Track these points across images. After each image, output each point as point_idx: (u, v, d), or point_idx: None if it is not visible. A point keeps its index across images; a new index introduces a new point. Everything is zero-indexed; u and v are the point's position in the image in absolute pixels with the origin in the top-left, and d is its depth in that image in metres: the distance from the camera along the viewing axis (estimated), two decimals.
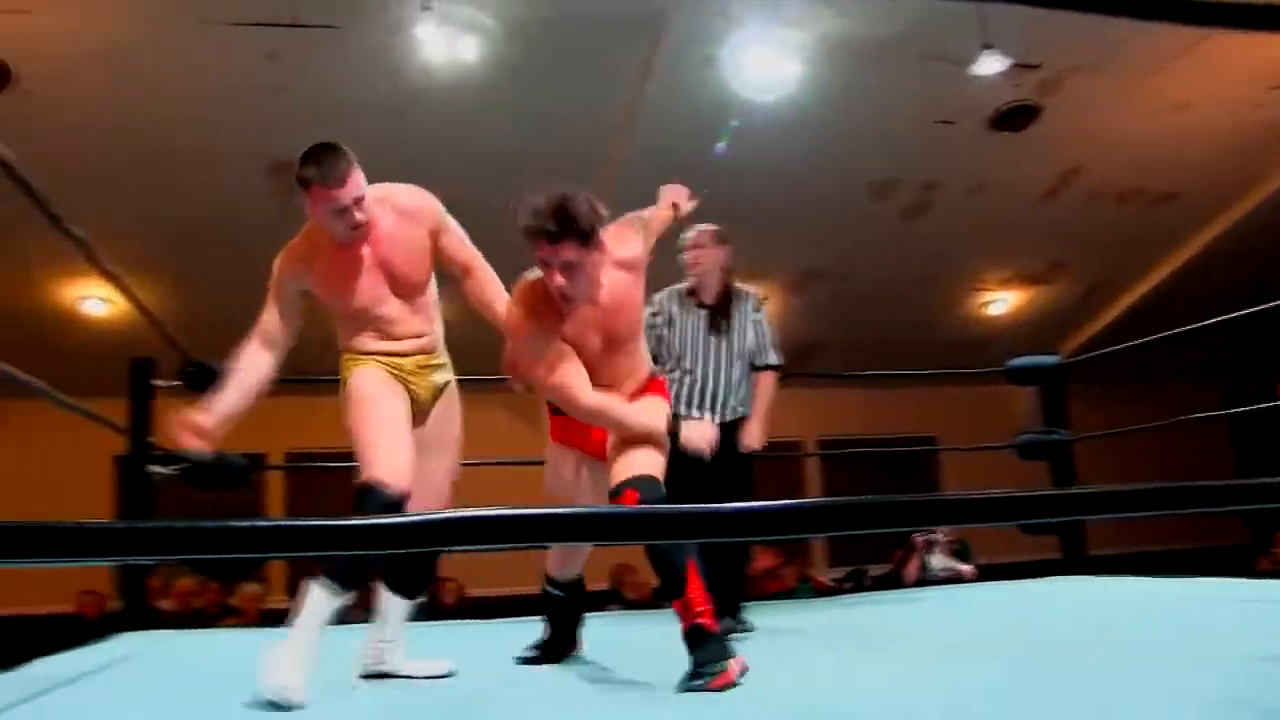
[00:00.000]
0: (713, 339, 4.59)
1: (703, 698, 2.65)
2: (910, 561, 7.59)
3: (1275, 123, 9.08)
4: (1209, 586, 4.79)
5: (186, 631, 5.38)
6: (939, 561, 7.45)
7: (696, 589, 2.86)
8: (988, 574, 6.64)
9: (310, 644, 2.74)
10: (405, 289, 3.16)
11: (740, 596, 4.48)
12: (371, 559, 3.14)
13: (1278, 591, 4.56)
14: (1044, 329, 11.72)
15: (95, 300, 9.67)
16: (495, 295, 3.30)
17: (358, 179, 2.98)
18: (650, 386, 3.29)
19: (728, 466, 4.28)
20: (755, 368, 4.66)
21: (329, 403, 10.97)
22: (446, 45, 6.87)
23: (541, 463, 3.49)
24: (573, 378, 2.99)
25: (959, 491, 1.41)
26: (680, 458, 3.27)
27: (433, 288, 3.30)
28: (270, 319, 3.17)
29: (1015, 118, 8.65)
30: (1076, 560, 5.73)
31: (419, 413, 3.20)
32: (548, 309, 2.99)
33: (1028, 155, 9.18)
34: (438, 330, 3.31)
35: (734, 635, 4.06)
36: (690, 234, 4.67)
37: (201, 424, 2.96)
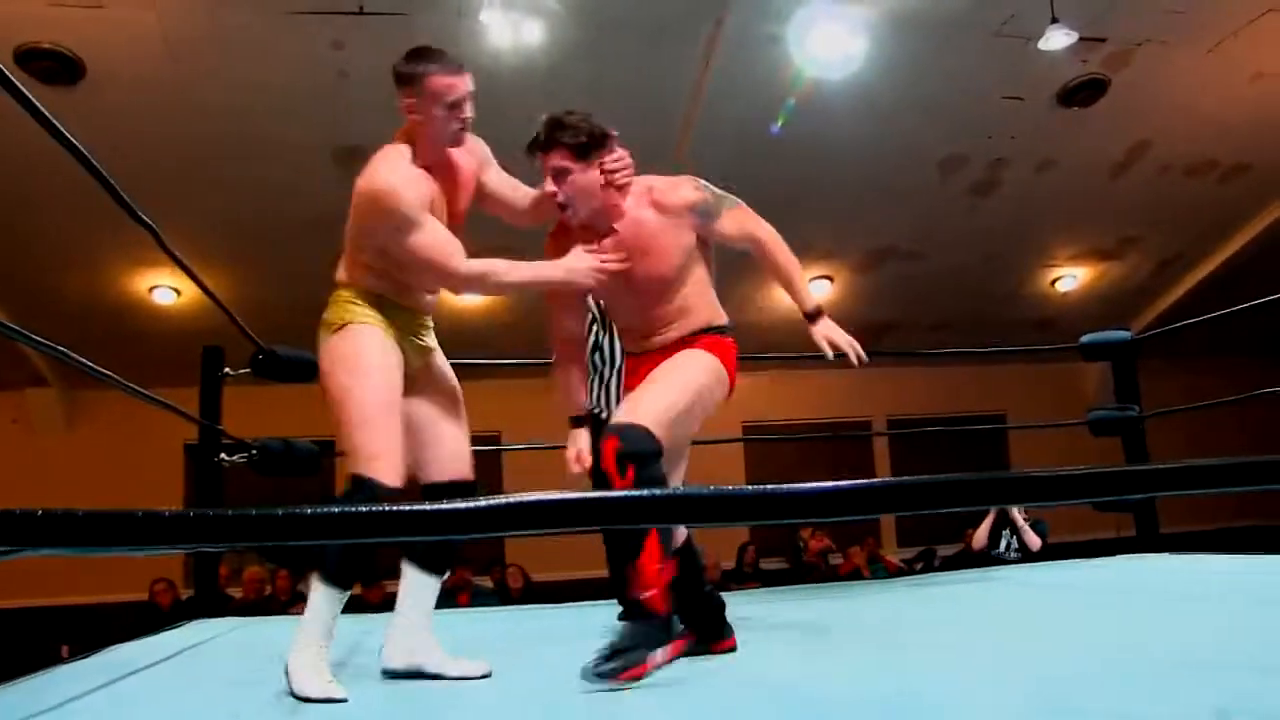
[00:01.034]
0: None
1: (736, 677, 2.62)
2: (981, 525, 7.56)
3: None
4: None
5: (258, 619, 5.43)
6: (1012, 540, 7.42)
7: (650, 560, 2.76)
8: (1062, 552, 6.60)
9: (324, 646, 2.69)
10: (457, 222, 2.98)
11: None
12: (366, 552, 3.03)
13: None
14: (1115, 305, 11.59)
15: (165, 289, 9.85)
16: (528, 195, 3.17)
17: (470, 78, 2.89)
18: (700, 341, 3.09)
19: None
20: None
21: None
22: (512, 29, 6.94)
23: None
24: (438, 244, 2.81)
25: (1025, 469, 1.42)
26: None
27: None
28: (447, 238, 2.87)
29: (1083, 92, 8.58)
30: (1150, 538, 5.69)
31: (406, 376, 2.92)
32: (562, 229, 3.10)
33: (1096, 130, 9.08)
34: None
35: None
36: None
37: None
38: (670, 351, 3.07)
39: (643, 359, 3.13)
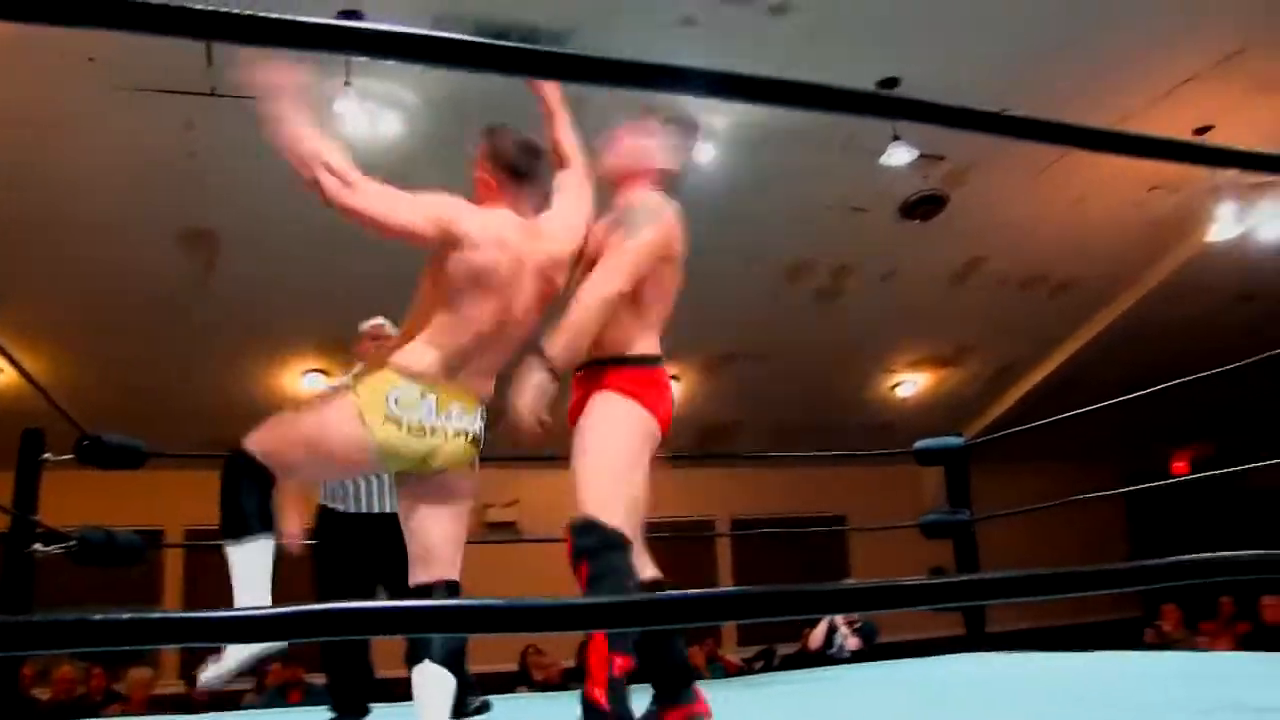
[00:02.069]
0: None
1: None
2: (816, 627, 7.73)
3: (1156, 219, 9.57)
4: (1103, 661, 4.95)
5: None
6: (845, 640, 7.59)
7: (597, 655, 2.66)
8: (897, 650, 6.75)
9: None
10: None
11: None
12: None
13: (1166, 664, 4.73)
14: (952, 410, 11.99)
15: None
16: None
17: None
18: (609, 379, 2.90)
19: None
20: None
21: None
22: (368, 120, 6.97)
23: None
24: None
25: (864, 580, 1.48)
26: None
27: None
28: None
29: (924, 206, 8.95)
30: (978, 637, 5.86)
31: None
32: None
33: (936, 242, 9.48)
34: None
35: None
36: (375, 324, 4.62)
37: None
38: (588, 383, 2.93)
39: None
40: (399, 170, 7.58)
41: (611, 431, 2.84)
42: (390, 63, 6.70)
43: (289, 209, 7.46)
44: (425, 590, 2.72)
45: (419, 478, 2.75)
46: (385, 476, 4.19)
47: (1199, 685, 3.60)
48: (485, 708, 4.32)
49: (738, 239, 8.82)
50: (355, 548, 4.24)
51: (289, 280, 8.44)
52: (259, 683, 9.06)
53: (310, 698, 8.59)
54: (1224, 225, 9.22)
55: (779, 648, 10.80)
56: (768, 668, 10.35)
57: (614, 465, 2.80)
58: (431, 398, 2.65)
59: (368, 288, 5.75)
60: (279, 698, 8.56)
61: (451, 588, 2.74)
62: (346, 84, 6.69)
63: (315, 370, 10.09)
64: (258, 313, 8.80)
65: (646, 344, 2.95)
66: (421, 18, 6.29)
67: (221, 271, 8.30)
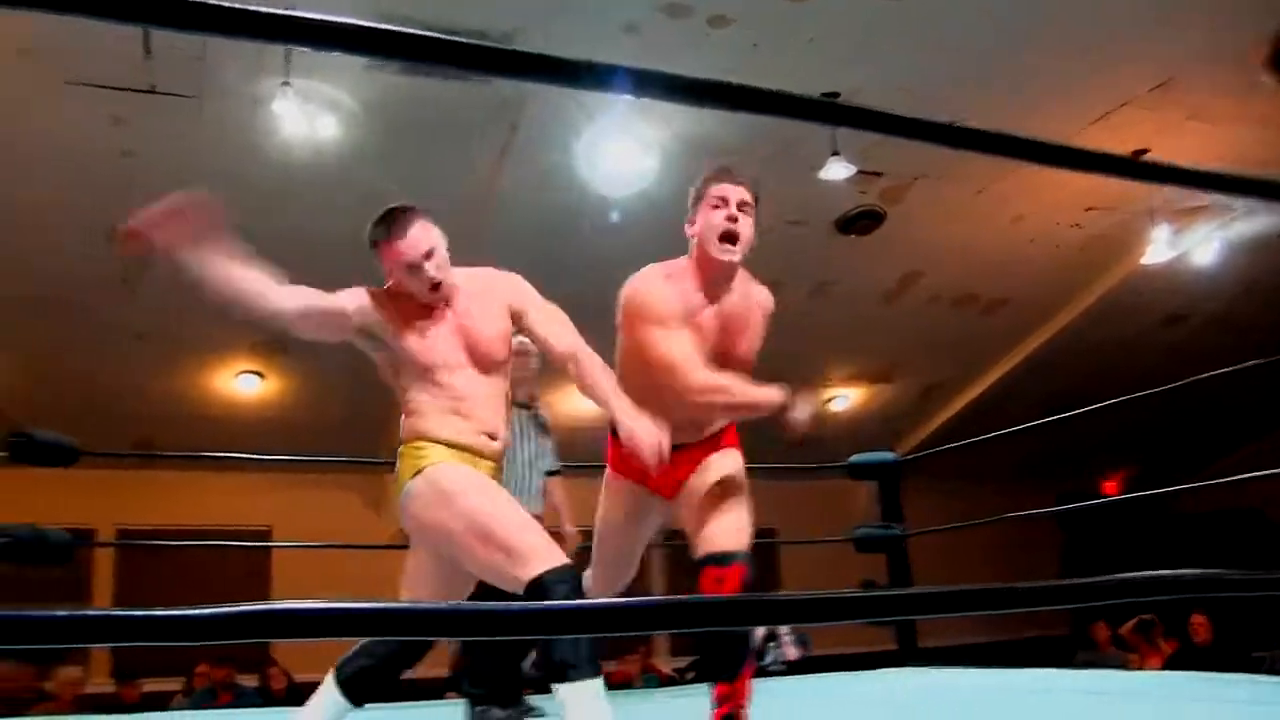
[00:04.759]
0: (533, 437, 4.82)
1: None
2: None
3: (1092, 240, 9.69)
4: (1033, 678, 4.98)
5: None
6: (779, 653, 7.59)
7: (746, 680, 2.79)
8: (827, 664, 6.75)
9: None
10: (482, 362, 2.88)
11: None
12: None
13: (1095, 682, 4.76)
14: (885, 426, 12.06)
15: None
16: (604, 377, 2.95)
17: (427, 232, 2.83)
18: (732, 434, 3.10)
19: None
20: (551, 472, 4.94)
21: (166, 477, 10.68)
22: (306, 121, 6.89)
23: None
24: (680, 352, 2.80)
25: (800, 591, 1.46)
26: None
27: (508, 380, 3.03)
28: (322, 293, 2.80)
29: (861, 222, 8.99)
30: (909, 651, 5.88)
31: None
32: (673, 280, 2.99)
33: (872, 258, 9.54)
34: (505, 435, 2.96)
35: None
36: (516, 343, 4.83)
37: (167, 220, 2.53)
38: (715, 442, 3.05)
39: (689, 450, 3.00)
40: (334, 172, 7.56)
41: (743, 478, 3.07)
42: (330, 65, 6.65)
43: (226, 212, 7.34)
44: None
45: None
46: (535, 480, 4.68)
47: (1133, 703, 3.63)
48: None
49: (675, 250, 8.77)
50: None
51: None
52: (188, 684, 8.96)
53: (240, 699, 8.49)
54: (1158, 248, 9.34)
55: None
56: (700, 678, 10.31)
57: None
58: None
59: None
60: (208, 699, 8.47)
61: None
62: (285, 84, 6.60)
63: (249, 372, 9.97)
64: (191, 313, 8.66)
65: None
66: (365, 18, 6.21)
67: (154, 271, 8.16)
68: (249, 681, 9.40)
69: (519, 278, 3.07)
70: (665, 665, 11.02)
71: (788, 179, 8.19)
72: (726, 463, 3.02)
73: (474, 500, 2.69)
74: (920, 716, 3.98)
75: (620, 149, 7.50)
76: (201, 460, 9.45)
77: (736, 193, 2.92)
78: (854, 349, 11.24)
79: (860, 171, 7.99)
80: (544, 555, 2.59)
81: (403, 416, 2.87)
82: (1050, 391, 9.64)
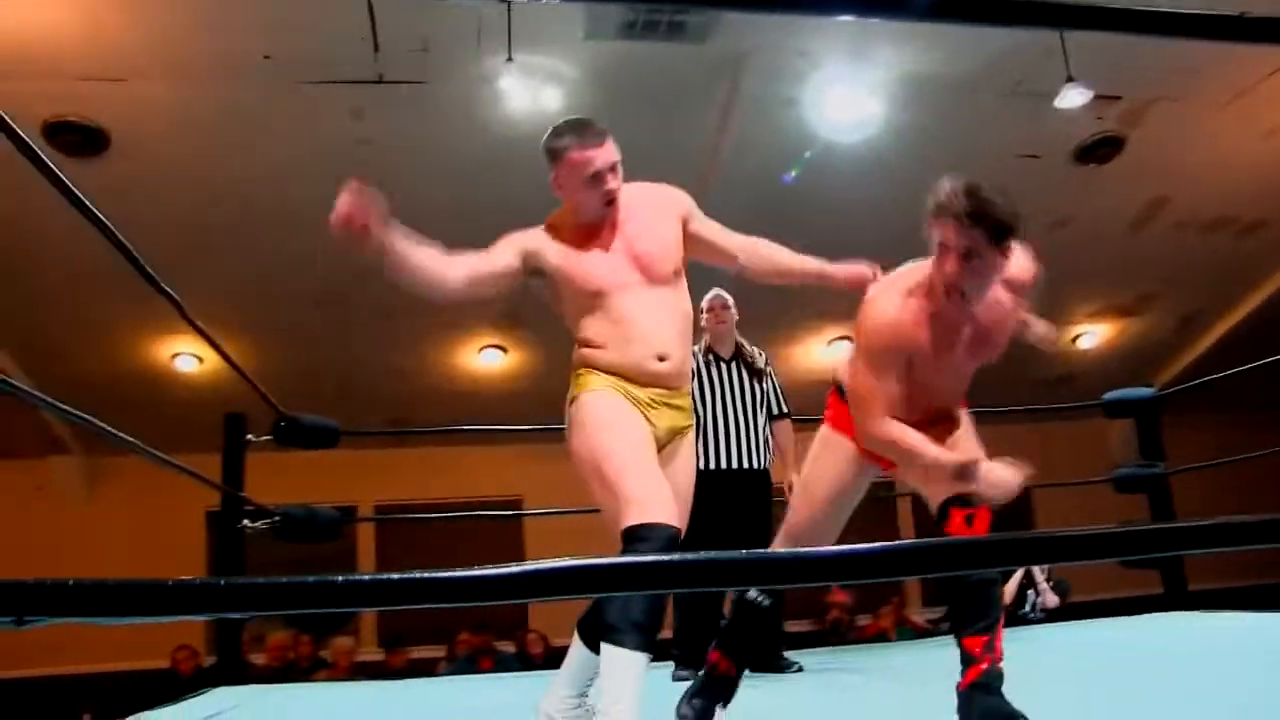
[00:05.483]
0: (740, 390, 4.83)
1: None
2: (1009, 583, 7.50)
3: None
4: None
5: (280, 686, 5.41)
6: (1038, 600, 7.39)
7: (1000, 632, 2.67)
8: (1089, 610, 6.54)
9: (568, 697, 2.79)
10: (652, 272, 2.83)
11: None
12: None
13: None
14: (1136, 361, 11.55)
15: (187, 357, 9.91)
16: (783, 254, 3.06)
17: (613, 145, 2.85)
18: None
19: (755, 511, 4.72)
20: (774, 416, 4.95)
21: (417, 455, 11.09)
22: (530, 96, 6.99)
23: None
24: (878, 396, 2.66)
25: (1055, 529, 1.39)
26: (704, 502, 3.10)
27: (686, 298, 2.96)
28: (484, 255, 2.85)
29: (1100, 150, 8.61)
30: (1177, 595, 5.64)
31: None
32: (914, 302, 2.71)
33: (1113, 187, 9.11)
34: (682, 357, 2.89)
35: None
36: (712, 296, 4.94)
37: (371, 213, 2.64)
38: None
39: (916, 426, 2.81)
40: None
41: None
42: (550, 37, 6.74)
43: (458, 189, 7.59)
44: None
45: None
46: (753, 435, 4.77)
47: None
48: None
49: (905, 195, 8.46)
50: (722, 504, 4.48)
51: None
52: (450, 651, 9.36)
53: (500, 664, 8.80)
54: None
55: None
56: (952, 631, 10.14)
57: None
58: None
59: None
60: (470, 665, 8.81)
61: None
62: (509, 60, 6.71)
63: (492, 346, 10.26)
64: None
65: None
66: None
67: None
68: (507, 648, 9.75)
69: (683, 192, 3.04)
70: (919, 616, 10.88)
71: (1021, 112, 7.92)
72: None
73: (601, 437, 2.68)
74: (1194, 665, 3.80)
75: (844, 95, 7.36)
76: (451, 435, 9.82)
77: (963, 240, 2.55)
78: (1099, 283, 10.76)
79: (1097, 96, 7.62)
80: (645, 506, 2.53)
81: (576, 332, 2.88)
82: None
